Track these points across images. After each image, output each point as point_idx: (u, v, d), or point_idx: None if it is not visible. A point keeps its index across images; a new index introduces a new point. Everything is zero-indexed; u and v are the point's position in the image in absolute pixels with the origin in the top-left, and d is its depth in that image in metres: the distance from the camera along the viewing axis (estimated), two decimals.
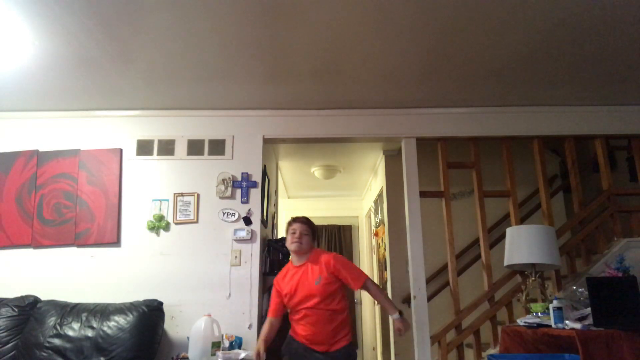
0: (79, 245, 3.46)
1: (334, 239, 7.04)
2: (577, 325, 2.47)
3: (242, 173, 3.59)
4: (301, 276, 2.73)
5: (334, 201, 7.00)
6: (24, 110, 3.67)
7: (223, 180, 3.56)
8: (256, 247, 3.46)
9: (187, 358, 2.93)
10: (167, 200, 3.54)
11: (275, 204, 4.97)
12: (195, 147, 3.65)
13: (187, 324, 3.17)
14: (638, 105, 3.72)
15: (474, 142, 3.77)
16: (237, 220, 3.50)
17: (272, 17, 2.54)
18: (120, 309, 3.03)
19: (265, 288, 3.54)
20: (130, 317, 2.97)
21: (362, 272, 2.81)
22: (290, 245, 2.80)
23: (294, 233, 2.80)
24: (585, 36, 2.77)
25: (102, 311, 3.03)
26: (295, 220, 2.89)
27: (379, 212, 5.14)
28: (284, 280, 2.80)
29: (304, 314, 2.69)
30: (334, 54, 2.93)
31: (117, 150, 3.63)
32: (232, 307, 3.32)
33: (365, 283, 2.75)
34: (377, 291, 2.80)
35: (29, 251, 3.46)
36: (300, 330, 2.71)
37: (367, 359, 6.18)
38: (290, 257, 2.90)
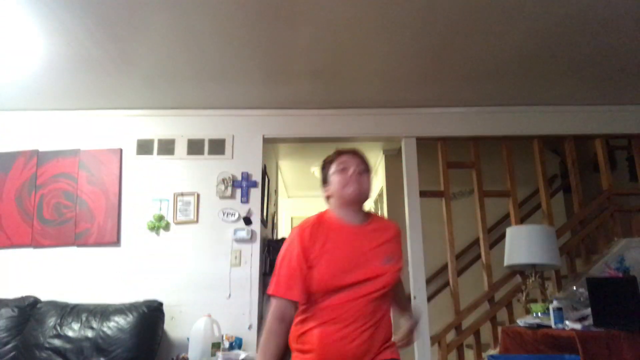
0: (79, 245, 3.46)
1: None
2: (577, 326, 2.47)
3: (242, 173, 3.59)
4: (361, 242, 1.63)
5: None
6: (24, 109, 3.67)
7: (223, 180, 3.55)
8: (256, 247, 3.46)
9: (187, 359, 2.93)
10: (167, 200, 3.54)
11: (275, 204, 4.97)
12: (195, 147, 3.65)
13: (187, 325, 3.17)
14: (638, 105, 3.72)
15: (474, 142, 3.77)
16: (237, 220, 3.49)
17: (272, 17, 2.54)
18: (120, 310, 3.03)
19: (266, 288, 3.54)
20: (130, 318, 2.96)
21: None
22: (345, 190, 1.65)
23: (344, 169, 1.68)
24: (585, 36, 2.76)
25: (102, 312, 3.02)
26: (341, 152, 1.75)
27: (379, 212, 5.14)
28: (321, 243, 1.59)
29: (354, 309, 1.55)
30: (334, 54, 2.93)
31: (117, 150, 3.62)
32: (232, 308, 3.32)
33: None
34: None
35: (29, 251, 3.46)
36: (339, 337, 1.54)
37: None
38: (328, 213, 1.72)
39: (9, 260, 3.45)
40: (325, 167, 1.79)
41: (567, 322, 2.56)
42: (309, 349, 1.58)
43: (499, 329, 3.12)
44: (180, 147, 3.65)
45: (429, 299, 3.60)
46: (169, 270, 3.40)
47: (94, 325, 2.95)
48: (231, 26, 2.62)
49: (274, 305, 1.57)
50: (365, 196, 1.67)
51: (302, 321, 1.62)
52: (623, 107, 3.73)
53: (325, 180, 1.77)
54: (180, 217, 3.50)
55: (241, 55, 2.93)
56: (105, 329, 2.92)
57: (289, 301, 1.56)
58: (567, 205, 4.40)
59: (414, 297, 3.41)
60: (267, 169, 3.95)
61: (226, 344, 3.06)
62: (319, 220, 1.66)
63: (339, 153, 1.76)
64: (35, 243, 3.46)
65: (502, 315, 3.49)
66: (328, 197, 1.74)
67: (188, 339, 3.02)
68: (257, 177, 3.61)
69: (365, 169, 1.71)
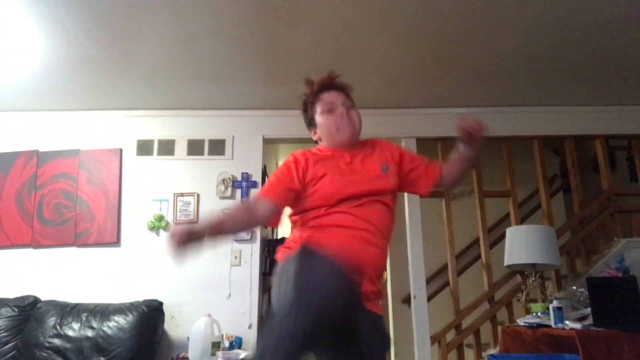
0: (79, 245, 3.46)
1: None
2: (577, 325, 2.47)
3: (242, 173, 3.59)
4: (359, 160, 1.62)
5: None
6: (24, 110, 3.67)
7: (223, 180, 3.55)
8: (256, 247, 3.46)
9: (187, 358, 2.93)
10: (167, 200, 3.54)
11: None
12: (195, 147, 3.65)
13: (187, 324, 3.17)
14: (638, 105, 3.72)
15: None
16: None
17: (271, 17, 2.54)
18: (120, 309, 3.03)
19: (265, 288, 3.54)
20: (130, 317, 2.96)
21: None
22: (338, 134, 1.63)
23: (330, 111, 1.64)
24: (585, 36, 2.77)
25: (102, 311, 3.02)
26: (322, 89, 1.70)
27: None
28: (321, 165, 1.59)
29: (363, 214, 1.49)
30: (334, 54, 2.93)
31: (117, 150, 3.62)
32: (232, 307, 3.32)
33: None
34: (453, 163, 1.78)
35: (29, 251, 3.46)
36: (355, 233, 1.47)
37: None
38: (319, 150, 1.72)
39: (9, 260, 3.45)
40: (308, 109, 1.72)
41: (567, 322, 2.56)
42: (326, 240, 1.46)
43: (499, 328, 3.12)
44: (180, 148, 3.66)
45: (429, 298, 3.59)
46: (168, 270, 3.39)
47: (94, 324, 2.95)
48: (231, 26, 2.62)
49: (251, 199, 1.62)
50: (359, 133, 1.67)
51: (309, 229, 1.52)
52: (623, 107, 3.73)
53: (311, 123, 1.72)
54: (180, 217, 3.50)
55: (241, 55, 2.93)
56: (105, 329, 2.92)
57: (266, 201, 1.53)
58: (567, 205, 4.40)
59: (414, 297, 3.41)
60: (267, 170, 3.95)
61: (226, 344, 3.06)
62: (314, 151, 1.68)
63: (319, 90, 1.70)
64: (35, 243, 3.46)
65: (502, 315, 3.49)
66: (318, 140, 1.72)
67: (188, 338, 3.02)
68: (257, 177, 3.60)
69: (352, 104, 1.68)
